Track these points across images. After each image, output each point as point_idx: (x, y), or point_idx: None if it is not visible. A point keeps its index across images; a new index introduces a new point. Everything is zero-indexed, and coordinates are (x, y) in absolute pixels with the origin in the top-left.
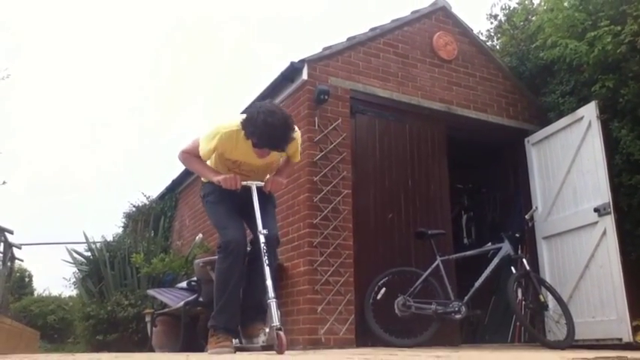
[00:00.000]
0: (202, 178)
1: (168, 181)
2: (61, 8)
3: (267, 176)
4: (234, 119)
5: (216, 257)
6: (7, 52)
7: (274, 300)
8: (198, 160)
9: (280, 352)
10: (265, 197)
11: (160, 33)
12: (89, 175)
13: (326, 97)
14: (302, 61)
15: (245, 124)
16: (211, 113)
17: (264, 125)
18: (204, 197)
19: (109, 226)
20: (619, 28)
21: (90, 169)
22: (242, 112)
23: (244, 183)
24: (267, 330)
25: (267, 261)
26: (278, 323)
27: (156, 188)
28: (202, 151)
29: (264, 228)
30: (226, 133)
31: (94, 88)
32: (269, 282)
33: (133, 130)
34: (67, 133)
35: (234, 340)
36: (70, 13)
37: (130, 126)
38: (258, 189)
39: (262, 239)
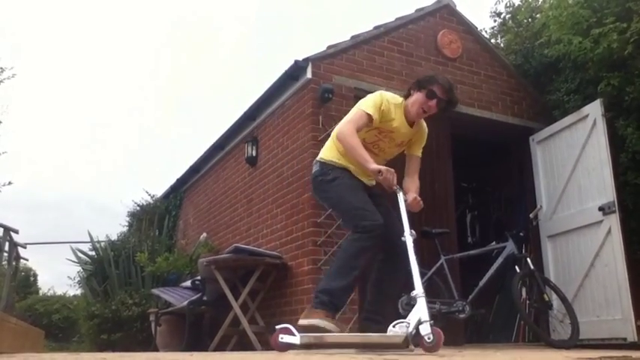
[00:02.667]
0: (319, 162)
1: (172, 180)
2: (61, 8)
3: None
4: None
5: (220, 256)
6: (7, 53)
7: (423, 296)
8: (359, 142)
9: (435, 349)
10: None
11: (160, 33)
12: (89, 175)
13: (330, 95)
14: (306, 60)
15: (424, 79)
16: (211, 113)
17: (444, 79)
18: (332, 180)
19: (112, 226)
20: (625, 25)
21: (90, 169)
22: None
23: (396, 187)
24: (413, 324)
25: (415, 260)
26: (427, 318)
27: (160, 187)
28: (370, 109)
29: (403, 233)
30: (391, 98)
31: (94, 88)
32: (417, 278)
33: (133, 130)
34: (67, 133)
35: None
36: (70, 13)
37: (130, 126)
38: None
39: (409, 240)
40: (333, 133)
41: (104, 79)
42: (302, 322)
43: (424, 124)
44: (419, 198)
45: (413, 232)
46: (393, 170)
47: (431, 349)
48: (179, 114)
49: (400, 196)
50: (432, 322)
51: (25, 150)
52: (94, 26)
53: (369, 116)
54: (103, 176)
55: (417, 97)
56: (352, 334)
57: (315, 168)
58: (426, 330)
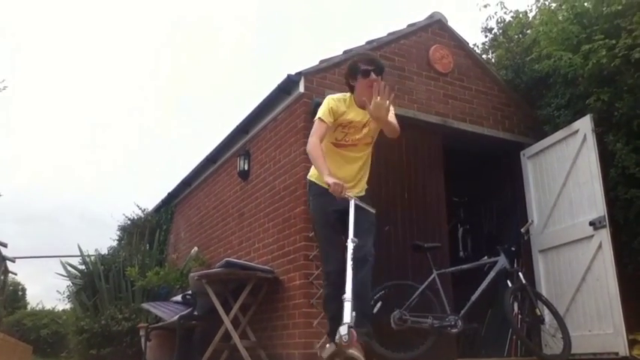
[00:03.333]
0: (308, 180)
1: (163, 194)
2: (61, 8)
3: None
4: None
5: (211, 270)
6: (7, 53)
7: (349, 301)
8: (321, 154)
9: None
10: (364, 215)
11: (160, 33)
12: (82, 184)
13: None
14: (298, 74)
15: (350, 68)
16: (211, 113)
17: (361, 55)
18: (311, 210)
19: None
20: (613, 41)
21: (88, 170)
22: None
23: (346, 195)
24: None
25: (352, 266)
26: (348, 321)
27: (152, 200)
28: (322, 114)
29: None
30: (338, 98)
31: (94, 89)
32: (349, 283)
33: (133, 130)
34: (67, 133)
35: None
36: (70, 13)
37: (130, 126)
38: (357, 204)
39: (350, 246)
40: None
41: (104, 79)
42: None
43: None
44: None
45: (355, 239)
46: (341, 183)
47: (347, 346)
48: (179, 114)
49: (351, 204)
50: (351, 324)
51: (19, 155)
52: (94, 26)
53: (324, 121)
54: (96, 184)
55: (359, 83)
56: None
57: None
58: (344, 330)
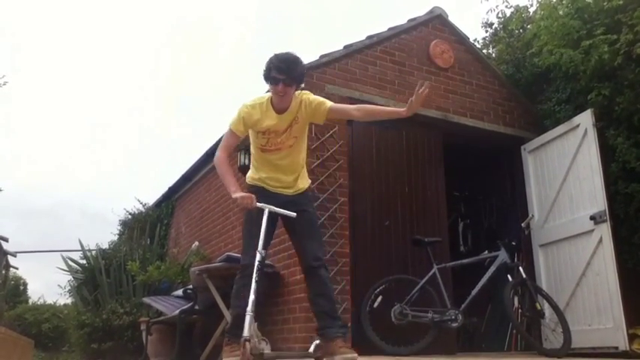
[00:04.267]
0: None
1: (164, 188)
2: (61, 8)
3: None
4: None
5: (212, 265)
6: (7, 52)
7: (250, 314)
8: (228, 169)
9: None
10: (303, 219)
11: (160, 33)
12: (83, 181)
13: None
14: None
15: (264, 72)
16: (211, 113)
17: (277, 59)
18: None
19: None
20: (614, 36)
21: (88, 170)
22: None
23: (259, 205)
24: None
25: (256, 278)
26: (246, 334)
27: (152, 195)
28: (233, 125)
29: (309, 252)
30: (251, 104)
31: (94, 88)
32: (252, 297)
33: (133, 130)
34: (67, 133)
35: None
36: (70, 13)
37: (130, 126)
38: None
39: (258, 257)
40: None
41: (104, 79)
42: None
43: (302, 95)
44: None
45: (263, 251)
46: (249, 195)
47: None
48: (179, 114)
49: (265, 213)
50: (246, 337)
51: (19, 153)
52: (94, 26)
53: (233, 132)
54: (97, 181)
55: (270, 89)
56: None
57: None
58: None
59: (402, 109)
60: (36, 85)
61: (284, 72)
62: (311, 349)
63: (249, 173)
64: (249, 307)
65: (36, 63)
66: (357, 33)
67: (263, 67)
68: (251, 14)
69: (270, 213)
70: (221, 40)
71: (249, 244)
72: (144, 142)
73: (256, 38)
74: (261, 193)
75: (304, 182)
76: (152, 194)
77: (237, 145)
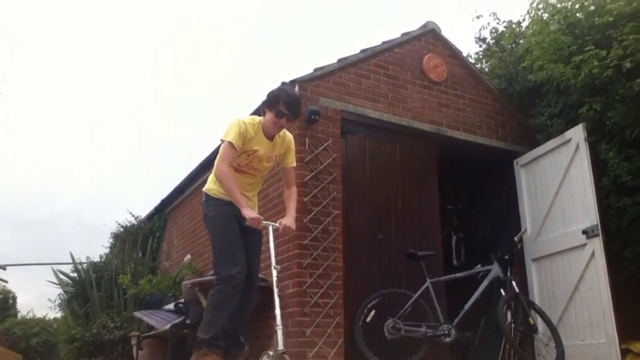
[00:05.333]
0: (205, 194)
1: (157, 201)
2: (61, 8)
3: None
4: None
5: (204, 278)
6: (7, 52)
7: (281, 327)
8: (235, 184)
9: None
10: (258, 241)
11: (160, 33)
12: (88, 176)
13: (317, 117)
14: (293, 82)
15: (271, 98)
16: (211, 113)
17: (288, 96)
18: (211, 218)
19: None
20: (604, 52)
21: (90, 169)
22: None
23: (264, 223)
24: (272, 353)
25: (277, 292)
26: (283, 347)
27: (144, 208)
28: (233, 138)
29: (254, 274)
30: (248, 122)
31: (94, 88)
32: (278, 311)
33: (133, 130)
34: (67, 133)
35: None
36: (70, 13)
37: (130, 126)
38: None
39: (275, 274)
40: (215, 168)
41: (104, 79)
42: None
43: (288, 134)
44: (288, 224)
45: (278, 266)
46: (260, 218)
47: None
48: (179, 114)
49: (270, 231)
50: (284, 350)
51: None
52: (95, 26)
53: (233, 146)
54: (95, 186)
55: (269, 116)
56: None
57: (202, 198)
58: (282, 358)
59: (287, 223)
60: (36, 85)
61: (291, 110)
62: None
63: (215, 186)
64: (279, 321)
65: (36, 63)
66: (357, 33)
67: (267, 94)
68: (251, 14)
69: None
70: (221, 40)
71: (232, 254)
72: (144, 142)
73: (256, 38)
74: (231, 208)
75: (256, 207)
76: (144, 207)
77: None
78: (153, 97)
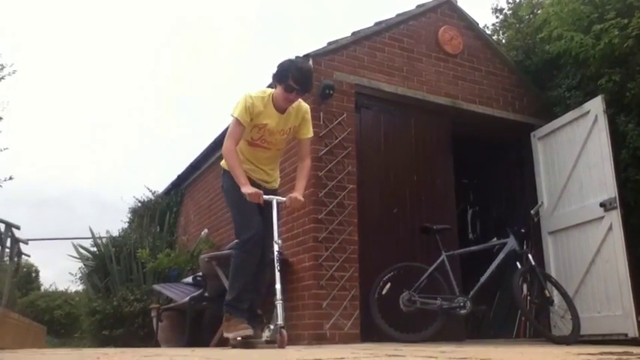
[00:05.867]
0: (222, 168)
1: (173, 177)
2: (61, 8)
3: (278, 177)
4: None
5: (221, 252)
6: (7, 52)
7: (281, 302)
8: (237, 161)
9: (281, 346)
10: (272, 215)
11: (160, 33)
12: (91, 173)
13: (331, 91)
14: (307, 56)
15: (280, 71)
16: (211, 113)
17: (298, 70)
18: (227, 189)
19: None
20: (626, 21)
21: (90, 168)
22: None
23: (266, 198)
24: (272, 327)
25: (278, 267)
26: (282, 322)
27: (161, 184)
28: (239, 114)
29: (268, 246)
30: (256, 96)
31: (94, 88)
32: (278, 286)
33: (133, 130)
34: (68, 133)
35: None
36: (70, 13)
37: (130, 126)
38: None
39: (276, 248)
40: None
41: (104, 79)
42: (232, 335)
43: (303, 105)
44: (299, 197)
45: (279, 241)
46: (259, 192)
47: (280, 346)
48: (179, 114)
49: (274, 205)
50: (282, 324)
51: (27, 148)
52: (95, 26)
53: (240, 122)
54: (105, 174)
55: (279, 90)
56: (236, 334)
57: (220, 173)
58: (280, 332)
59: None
60: (36, 85)
61: (301, 84)
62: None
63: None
64: (279, 295)
65: (36, 63)
66: (358, 28)
67: (277, 67)
68: (251, 14)
69: (268, 202)
70: (221, 40)
71: (248, 220)
72: (144, 142)
73: (256, 38)
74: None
75: (278, 181)
76: (161, 182)
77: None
78: (153, 97)
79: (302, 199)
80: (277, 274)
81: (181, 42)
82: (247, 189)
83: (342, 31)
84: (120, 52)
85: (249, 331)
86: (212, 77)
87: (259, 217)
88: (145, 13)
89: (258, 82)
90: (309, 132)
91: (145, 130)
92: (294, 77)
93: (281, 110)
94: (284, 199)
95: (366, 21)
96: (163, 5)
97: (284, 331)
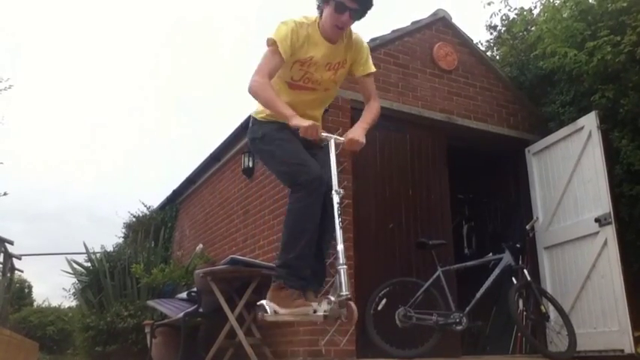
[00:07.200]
0: (252, 119)
1: (168, 191)
2: (61, 8)
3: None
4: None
5: (216, 267)
6: (7, 53)
7: (344, 267)
8: (273, 93)
9: (350, 322)
10: (325, 153)
11: (160, 33)
12: (88, 184)
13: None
14: None
15: None
16: (211, 113)
17: None
18: (262, 138)
19: (111, 237)
20: (618, 38)
21: (89, 170)
22: None
23: (324, 135)
24: (333, 299)
25: (340, 223)
26: (346, 292)
27: (156, 198)
28: (280, 41)
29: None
30: (299, 21)
31: (94, 89)
32: (340, 246)
33: (133, 130)
34: (67, 134)
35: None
36: (70, 13)
37: (130, 126)
38: (329, 145)
39: (336, 199)
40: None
41: (104, 79)
42: (287, 312)
43: (358, 35)
44: (356, 137)
45: (341, 190)
46: (315, 124)
47: (347, 323)
48: (179, 114)
49: (331, 146)
50: (348, 295)
51: (24, 157)
52: (95, 26)
53: (278, 52)
54: (102, 184)
55: (327, 12)
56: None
57: (249, 126)
58: (348, 305)
59: (355, 136)
60: (35, 86)
61: (358, 1)
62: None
63: (260, 107)
64: (342, 259)
65: (36, 63)
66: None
67: None
68: (251, 14)
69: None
70: (221, 40)
71: (300, 159)
72: (144, 143)
73: (256, 38)
74: (282, 126)
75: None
76: (156, 197)
77: (240, 148)
78: (153, 97)
79: (363, 140)
80: (339, 232)
81: (181, 42)
82: (299, 120)
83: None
84: (120, 52)
85: (309, 310)
86: (212, 77)
87: (309, 157)
88: (145, 13)
89: None
90: (370, 66)
91: (145, 130)
92: None
93: (332, 40)
94: (342, 138)
95: (365, 22)
96: (163, 5)
97: (352, 304)
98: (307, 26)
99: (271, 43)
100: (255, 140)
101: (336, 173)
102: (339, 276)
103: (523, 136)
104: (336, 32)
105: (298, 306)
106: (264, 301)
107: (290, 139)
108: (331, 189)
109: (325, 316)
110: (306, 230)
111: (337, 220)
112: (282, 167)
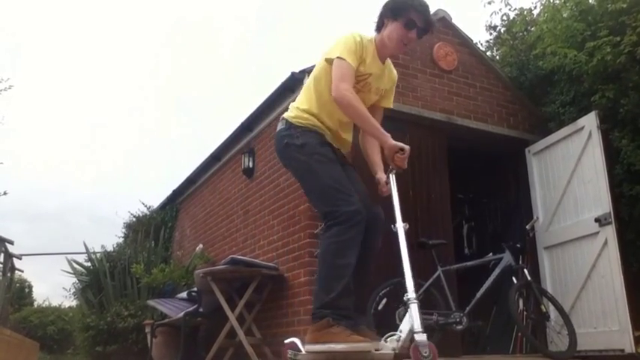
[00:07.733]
0: (286, 121)
1: (168, 191)
2: (61, 8)
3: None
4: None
5: (216, 267)
6: (6, 52)
7: (416, 302)
8: (365, 109)
9: None
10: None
11: (160, 33)
12: (89, 183)
13: None
14: (302, 72)
15: (401, 5)
16: (211, 113)
17: (424, 5)
18: (302, 146)
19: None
20: (618, 38)
21: (90, 170)
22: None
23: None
24: (402, 335)
25: (408, 257)
26: (419, 328)
27: (157, 197)
28: (348, 56)
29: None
30: (363, 36)
31: (94, 89)
32: (410, 280)
33: (133, 130)
34: (67, 134)
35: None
36: (70, 13)
37: (130, 126)
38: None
39: (402, 233)
40: (310, 83)
41: (104, 79)
42: (345, 347)
43: (394, 71)
44: (384, 178)
45: (405, 224)
46: (409, 148)
47: None
48: (179, 114)
49: (392, 178)
50: (422, 331)
51: (24, 157)
52: (95, 26)
53: (350, 64)
54: (102, 184)
55: (394, 27)
56: (352, 347)
57: (280, 126)
58: (422, 343)
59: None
60: (35, 86)
61: (426, 21)
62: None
63: (299, 113)
64: (411, 293)
65: (36, 63)
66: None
67: (390, 3)
68: (251, 14)
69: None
70: (221, 40)
71: (344, 187)
72: (144, 143)
73: (256, 38)
74: (323, 140)
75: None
76: (156, 197)
77: (241, 148)
78: (153, 97)
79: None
80: (406, 264)
81: (181, 42)
82: (396, 143)
83: (343, 32)
84: (120, 52)
85: (370, 346)
86: (212, 77)
87: (352, 188)
88: (145, 13)
89: (259, 82)
90: (391, 101)
91: (145, 130)
92: (416, 10)
93: (383, 58)
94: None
95: (366, 23)
96: (163, 5)
97: (431, 343)
98: (369, 43)
99: (339, 60)
100: (290, 146)
101: (398, 205)
102: (411, 312)
103: (523, 136)
104: (401, 48)
105: (357, 341)
106: (295, 339)
107: (333, 159)
108: (371, 208)
109: (395, 354)
110: (350, 265)
111: (405, 254)
112: (320, 187)
